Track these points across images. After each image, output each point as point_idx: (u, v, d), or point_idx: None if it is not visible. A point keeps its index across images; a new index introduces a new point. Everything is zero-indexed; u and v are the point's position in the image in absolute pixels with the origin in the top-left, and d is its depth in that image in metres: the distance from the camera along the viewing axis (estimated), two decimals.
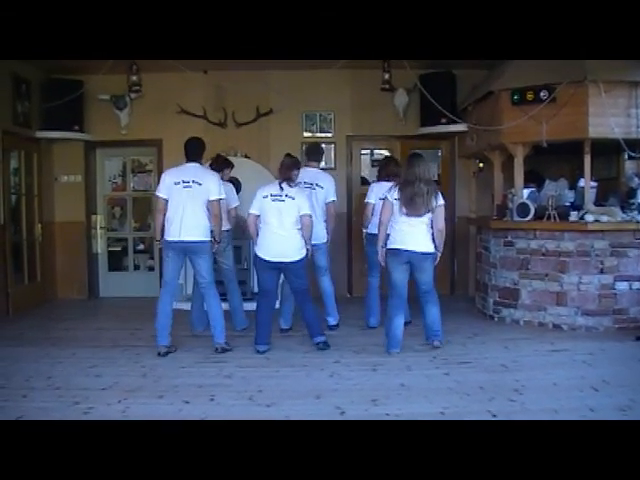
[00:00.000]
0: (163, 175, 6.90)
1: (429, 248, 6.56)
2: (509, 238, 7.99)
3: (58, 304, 9.98)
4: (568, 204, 8.11)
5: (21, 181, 9.72)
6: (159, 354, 6.59)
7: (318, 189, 7.68)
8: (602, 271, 7.51)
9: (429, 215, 6.50)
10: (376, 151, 10.86)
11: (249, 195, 9.39)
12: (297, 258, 6.74)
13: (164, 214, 6.70)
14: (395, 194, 6.54)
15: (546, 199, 7.74)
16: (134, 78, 9.72)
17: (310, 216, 6.79)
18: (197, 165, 6.89)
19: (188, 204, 6.65)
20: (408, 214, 6.49)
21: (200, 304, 7.49)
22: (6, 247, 9.01)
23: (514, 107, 7.96)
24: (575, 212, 7.68)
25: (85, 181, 10.53)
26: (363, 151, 10.80)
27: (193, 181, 6.71)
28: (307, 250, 6.83)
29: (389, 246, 6.63)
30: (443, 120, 9.58)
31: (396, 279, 6.66)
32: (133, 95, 10.04)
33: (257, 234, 6.83)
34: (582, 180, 8.11)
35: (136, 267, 11.02)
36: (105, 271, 10.87)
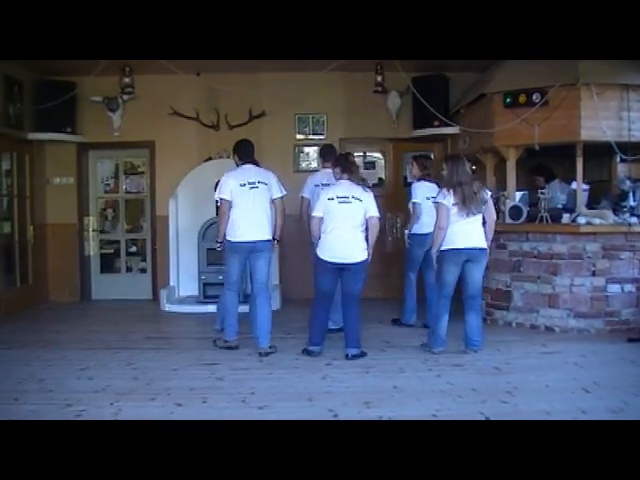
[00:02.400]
0: (225, 178, 6.83)
1: (485, 244, 6.66)
2: (501, 240, 8.00)
3: (50, 306, 9.95)
4: (560, 206, 8.13)
5: (13, 183, 9.70)
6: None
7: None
8: (594, 273, 7.53)
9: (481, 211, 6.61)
10: (369, 153, 10.86)
11: None
12: (360, 259, 6.62)
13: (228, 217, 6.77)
14: (451, 199, 6.50)
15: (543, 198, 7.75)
16: (127, 80, 9.71)
17: (379, 218, 6.72)
18: (254, 166, 7.01)
19: (257, 204, 6.80)
20: (468, 214, 6.52)
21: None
22: None
23: (506, 110, 7.99)
24: (567, 214, 7.70)
25: (77, 183, 10.51)
26: (356, 154, 10.78)
27: (259, 181, 6.85)
28: (368, 253, 6.71)
29: (447, 247, 6.59)
30: (436, 123, 9.59)
31: (449, 280, 6.70)
32: (126, 97, 10.02)
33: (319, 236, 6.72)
34: (574, 183, 8.13)
35: (128, 269, 11.00)
36: (97, 273, 10.85)
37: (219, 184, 6.86)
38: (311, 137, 10.56)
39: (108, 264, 11.00)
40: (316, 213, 6.66)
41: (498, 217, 8.04)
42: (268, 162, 9.92)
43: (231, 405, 5.11)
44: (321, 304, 6.76)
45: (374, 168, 10.85)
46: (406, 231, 7.89)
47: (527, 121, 7.75)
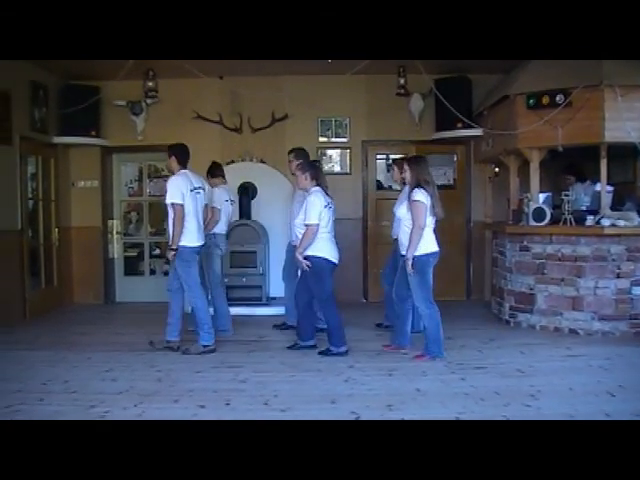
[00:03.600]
0: (174, 182, 6.85)
1: None
2: (525, 243, 7.96)
3: (74, 309, 10.03)
4: (584, 208, 8.08)
5: (38, 186, 9.80)
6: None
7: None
8: (619, 276, 7.47)
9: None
10: (391, 156, 10.83)
11: (265, 200, 9.48)
12: None
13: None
14: (428, 198, 6.52)
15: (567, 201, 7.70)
16: (150, 84, 9.77)
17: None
18: (189, 171, 7.09)
19: (199, 209, 6.98)
20: (434, 215, 6.60)
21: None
22: (23, 252, 9.08)
23: (529, 111, 7.94)
24: (591, 216, 7.64)
25: (101, 186, 10.59)
26: (378, 156, 10.79)
27: (200, 187, 7.04)
28: None
29: (428, 250, 6.58)
30: (458, 125, 9.56)
31: (431, 283, 6.68)
32: (149, 101, 10.08)
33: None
34: (598, 184, 8.07)
35: (152, 272, 11.05)
36: (121, 276, 10.92)
37: (170, 189, 6.81)
38: (334, 140, 10.57)
39: (132, 267, 11.07)
40: (316, 221, 6.63)
41: (521, 219, 8.05)
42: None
43: (254, 407, 5.11)
44: (334, 306, 6.87)
45: None
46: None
47: (550, 122, 7.70)
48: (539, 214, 7.80)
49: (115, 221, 10.85)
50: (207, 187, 7.32)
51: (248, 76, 9.90)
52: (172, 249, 6.78)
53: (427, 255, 6.55)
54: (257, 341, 7.48)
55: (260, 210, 9.59)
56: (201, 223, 7.06)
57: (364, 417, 4.82)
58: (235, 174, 9.57)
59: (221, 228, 7.93)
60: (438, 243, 6.68)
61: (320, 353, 6.84)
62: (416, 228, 6.45)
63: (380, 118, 10.32)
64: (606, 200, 7.82)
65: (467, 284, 10.64)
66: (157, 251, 11.17)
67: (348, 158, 10.54)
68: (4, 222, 8.62)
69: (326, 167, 10.51)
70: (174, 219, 6.75)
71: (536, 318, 7.92)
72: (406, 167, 6.78)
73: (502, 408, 4.97)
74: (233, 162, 10.04)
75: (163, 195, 10.05)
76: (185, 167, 7.03)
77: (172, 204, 6.74)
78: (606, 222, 7.41)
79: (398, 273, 6.91)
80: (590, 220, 7.59)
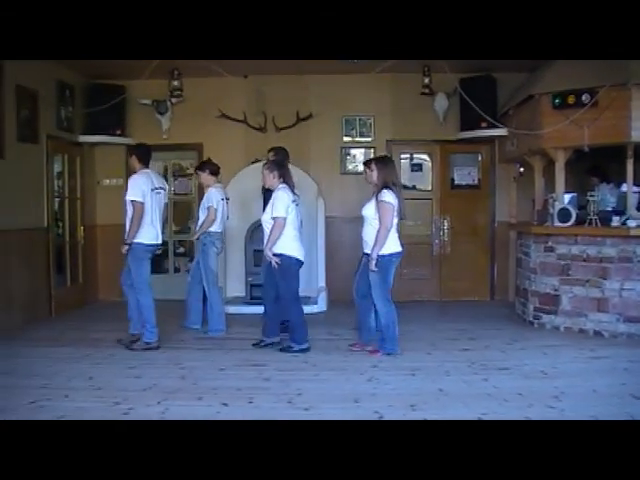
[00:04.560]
0: (136, 180, 7.00)
1: None
2: (550, 243, 7.92)
3: (99, 306, 10.12)
4: (610, 209, 8.02)
5: (64, 184, 9.89)
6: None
7: None
8: None
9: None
10: (416, 156, 10.82)
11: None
12: None
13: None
14: (395, 200, 6.62)
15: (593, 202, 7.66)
16: (175, 83, 9.83)
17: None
18: (151, 170, 7.27)
19: (157, 208, 7.10)
20: (399, 216, 6.72)
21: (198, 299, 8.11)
22: (49, 249, 9.18)
23: (555, 111, 7.89)
24: (617, 217, 7.57)
25: (126, 184, 10.63)
26: (403, 156, 10.77)
27: (160, 187, 7.20)
28: None
29: (392, 251, 6.66)
30: (483, 124, 9.53)
31: (391, 282, 6.82)
32: (174, 100, 10.14)
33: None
34: (624, 185, 8.01)
35: (176, 270, 11.11)
36: None
37: (131, 186, 6.96)
38: (358, 139, 10.57)
39: (156, 264, 11.10)
40: (284, 214, 6.74)
41: (546, 220, 8.01)
42: (315, 164, 10.03)
43: (277, 406, 5.13)
44: (299, 303, 7.08)
45: (421, 170, 10.81)
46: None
47: (576, 122, 7.65)
48: (564, 215, 7.75)
49: None
50: (167, 187, 7.49)
51: (273, 75, 9.93)
52: (126, 244, 6.93)
53: (391, 255, 6.65)
54: (281, 339, 7.49)
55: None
56: (160, 222, 7.21)
57: (387, 417, 4.82)
58: (259, 173, 9.58)
59: (217, 227, 8.02)
60: (401, 243, 6.82)
61: (281, 350, 6.95)
62: (383, 228, 6.54)
63: (404, 117, 10.31)
64: (632, 201, 7.75)
65: (491, 284, 10.60)
66: (181, 249, 11.23)
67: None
68: (31, 220, 8.71)
69: (350, 166, 10.54)
70: (132, 216, 6.90)
71: (560, 319, 7.87)
72: (373, 167, 6.86)
73: (525, 409, 4.95)
74: (257, 161, 10.02)
75: (188, 194, 10.19)
76: (147, 166, 7.19)
77: (132, 201, 6.89)
78: (632, 223, 7.36)
79: (360, 271, 6.99)
80: (616, 221, 7.54)
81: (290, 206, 6.79)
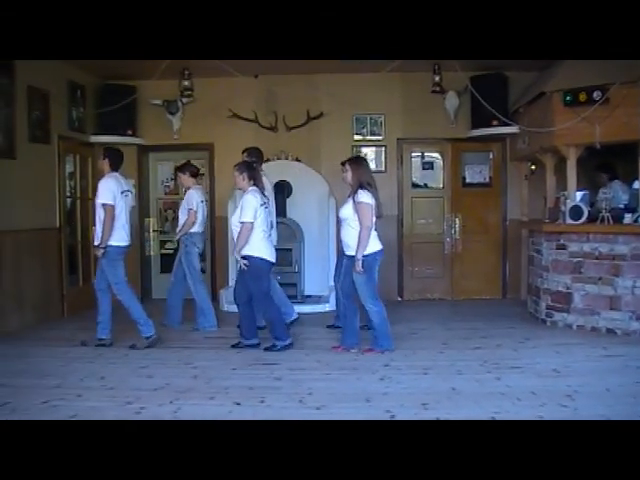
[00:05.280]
0: (106, 183, 7.06)
1: None
2: (562, 241, 7.89)
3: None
4: (622, 206, 7.98)
5: (76, 185, 9.92)
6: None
7: None
8: None
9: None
10: (427, 154, 10.80)
11: (300, 199, 9.51)
12: None
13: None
14: (372, 199, 6.65)
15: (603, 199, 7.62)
16: (186, 83, 9.83)
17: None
18: (120, 175, 7.32)
19: (126, 211, 7.17)
20: (377, 216, 6.73)
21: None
22: (62, 249, 9.21)
23: (566, 108, 7.86)
24: (629, 215, 7.53)
25: (138, 185, 10.69)
26: (414, 154, 10.75)
27: (128, 190, 7.27)
28: None
29: (374, 250, 6.69)
30: (494, 122, 9.50)
31: (376, 280, 6.82)
32: (185, 100, 10.15)
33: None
34: (637, 182, 7.98)
35: None
36: (157, 273, 11.02)
37: (101, 190, 7.00)
38: (369, 138, 10.56)
39: (168, 264, 11.10)
40: (251, 219, 6.75)
41: (557, 217, 7.98)
42: (326, 163, 10.04)
43: (289, 405, 5.14)
44: (273, 301, 7.14)
45: (432, 169, 10.80)
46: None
47: (588, 120, 7.61)
48: (576, 212, 7.71)
49: (151, 219, 10.96)
50: (134, 190, 7.68)
51: (283, 74, 9.93)
52: (101, 248, 6.97)
53: (374, 254, 6.68)
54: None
55: (295, 208, 9.61)
56: (129, 224, 7.27)
57: (399, 416, 4.81)
58: (270, 172, 9.59)
59: (197, 228, 8.17)
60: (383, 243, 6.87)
61: (266, 349, 6.95)
62: (364, 229, 6.57)
63: (415, 116, 10.30)
64: None
65: (503, 283, 10.57)
66: None
67: (383, 156, 10.52)
68: (43, 220, 8.75)
69: None
70: (104, 219, 6.94)
71: (573, 317, 7.84)
72: (347, 168, 6.89)
73: (538, 408, 4.94)
74: (269, 160, 10.04)
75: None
76: (116, 171, 7.25)
77: (103, 205, 6.94)
78: None
79: (343, 272, 7.01)
80: (628, 218, 7.50)
81: (258, 210, 6.80)
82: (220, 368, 6.30)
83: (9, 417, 4.84)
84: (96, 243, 7.02)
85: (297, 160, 10.11)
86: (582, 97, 7.69)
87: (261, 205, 6.84)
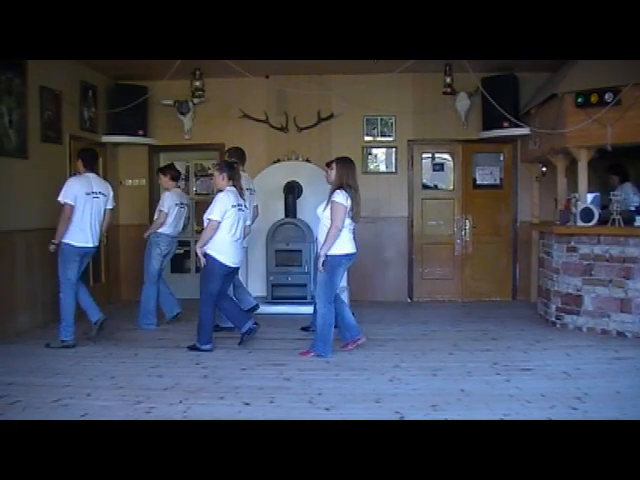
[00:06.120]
0: (70, 182, 7.15)
1: None
2: (572, 243, 7.87)
3: (122, 305, 10.16)
4: (633, 209, 7.95)
5: None
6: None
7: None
8: None
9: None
10: (437, 155, 10.79)
11: (309, 199, 9.50)
12: None
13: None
14: (348, 200, 6.62)
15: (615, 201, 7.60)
16: (197, 83, 9.85)
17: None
18: (96, 175, 7.43)
19: (94, 213, 7.19)
20: (353, 219, 6.70)
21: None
22: None
23: (578, 110, 7.84)
24: None
25: (149, 184, 10.73)
26: (424, 155, 10.74)
27: (100, 192, 7.27)
28: None
29: (343, 252, 6.65)
30: (505, 124, 9.48)
31: (339, 284, 6.85)
32: (196, 100, 10.18)
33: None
34: None
35: (198, 270, 11.09)
36: (168, 273, 11.00)
37: (65, 188, 7.06)
38: (379, 139, 10.56)
39: (178, 264, 11.18)
40: (217, 217, 6.79)
41: (568, 219, 7.96)
42: None
43: (298, 405, 5.15)
44: (213, 306, 7.10)
45: (443, 170, 10.78)
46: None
47: (599, 121, 7.59)
48: (587, 214, 7.69)
49: None
50: (111, 193, 7.55)
51: (294, 75, 9.95)
52: (53, 243, 7.06)
53: (340, 256, 6.65)
54: (302, 339, 7.49)
55: (305, 209, 9.60)
56: (93, 226, 7.24)
57: (408, 417, 4.82)
58: (281, 173, 9.64)
59: (166, 229, 8.29)
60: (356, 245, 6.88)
61: (189, 348, 7.02)
62: (333, 228, 6.54)
63: (426, 117, 10.29)
64: None
65: (513, 284, 10.55)
66: None
67: (394, 157, 10.52)
68: (54, 220, 8.74)
69: (371, 166, 10.54)
70: (61, 217, 7.03)
71: (583, 320, 7.82)
72: (333, 166, 6.94)
73: (548, 410, 4.93)
74: (279, 161, 10.09)
75: (210, 194, 10.22)
76: (92, 171, 7.34)
77: (63, 203, 7.02)
78: None
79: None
80: (639, 220, 7.47)
81: (229, 210, 6.81)
82: (230, 368, 6.31)
83: (20, 415, 4.87)
84: (54, 241, 7.11)
85: (307, 161, 10.12)
86: (594, 99, 7.67)
87: (233, 206, 6.85)
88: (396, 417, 4.82)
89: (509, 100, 9.52)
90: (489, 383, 5.72)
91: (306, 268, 9.22)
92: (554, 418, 4.73)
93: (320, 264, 6.56)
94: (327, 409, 5.03)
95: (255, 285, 9.77)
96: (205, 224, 6.93)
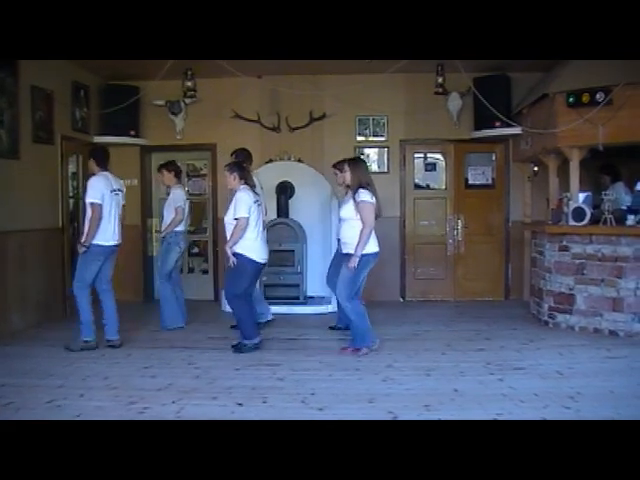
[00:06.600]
0: (95, 182, 7.07)
1: None
2: (564, 243, 7.89)
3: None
4: (625, 208, 7.98)
5: (79, 185, 9.91)
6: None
7: None
8: None
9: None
10: (430, 155, 10.80)
11: (303, 199, 9.52)
12: None
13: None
14: (373, 198, 6.67)
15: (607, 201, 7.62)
16: (189, 83, 9.82)
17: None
18: (109, 173, 7.34)
19: (115, 210, 7.15)
20: (376, 217, 6.73)
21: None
22: (64, 250, 9.22)
23: (569, 110, 7.85)
24: (632, 216, 7.53)
25: (141, 185, 10.71)
26: (416, 155, 10.75)
27: (118, 189, 7.26)
28: None
29: (371, 251, 6.70)
30: (497, 124, 9.50)
31: (361, 282, 6.92)
32: (188, 100, 10.16)
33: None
34: (639, 184, 7.97)
35: (190, 270, 11.13)
36: None
37: (89, 189, 7.03)
38: (371, 139, 10.57)
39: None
40: (246, 214, 6.78)
41: (560, 219, 7.97)
42: (328, 164, 10.00)
43: (291, 405, 5.15)
44: (246, 302, 7.05)
45: (435, 170, 10.79)
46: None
47: (591, 121, 7.61)
48: (579, 214, 7.71)
49: (154, 220, 10.94)
50: (125, 189, 7.54)
51: (286, 75, 9.93)
52: (84, 245, 7.00)
53: (369, 255, 6.70)
54: (295, 339, 7.51)
55: (298, 209, 9.62)
56: (117, 223, 7.24)
57: (401, 417, 4.82)
58: (273, 173, 9.63)
59: (182, 227, 8.24)
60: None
61: (234, 348, 6.99)
62: (367, 227, 6.60)
63: (418, 117, 10.30)
64: None
65: (506, 284, 10.57)
66: (195, 250, 11.24)
67: (386, 157, 10.53)
68: (46, 220, 8.76)
69: None
70: (91, 218, 6.97)
71: (575, 319, 7.84)
72: (346, 169, 6.94)
73: (541, 410, 4.94)
74: (271, 161, 10.09)
75: (202, 194, 10.22)
76: (105, 169, 7.27)
77: (91, 203, 6.96)
78: None
79: (335, 263, 7.07)
80: (631, 220, 7.49)
81: (252, 207, 6.83)
82: (223, 368, 6.31)
83: (14, 417, 4.86)
84: (82, 240, 7.04)
85: (300, 161, 10.12)
86: (585, 98, 7.69)
87: (254, 202, 6.88)
88: (389, 417, 4.83)
89: (501, 100, 9.53)
90: (482, 383, 5.73)
91: (298, 268, 9.22)
92: (547, 417, 4.74)
93: (354, 263, 6.57)
94: (320, 409, 5.03)
95: None
96: (226, 225, 6.97)
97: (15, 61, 7.85)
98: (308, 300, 9.50)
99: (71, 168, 9.72)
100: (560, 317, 8.00)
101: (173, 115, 10.32)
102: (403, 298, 10.59)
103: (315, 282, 9.64)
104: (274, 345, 7.23)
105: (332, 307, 9.09)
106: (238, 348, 6.95)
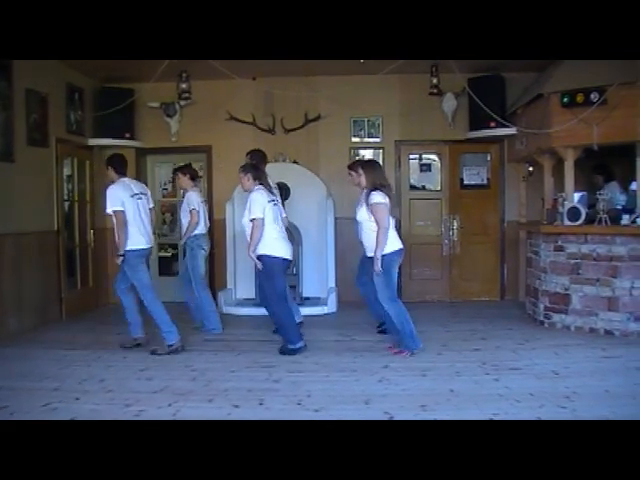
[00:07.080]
0: (111, 191, 7.00)
1: None
2: (560, 243, 7.89)
3: (110, 309, 10.11)
4: (620, 207, 7.99)
5: (74, 188, 9.92)
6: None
7: None
8: None
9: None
10: (425, 156, 10.81)
11: (298, 201, 9.52)
12: None
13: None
14: (386, 199, 6.68)
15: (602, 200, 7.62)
16: (184, 86, 9.82)
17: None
18: (129, 178, 7.34)
19: (140, 214, 7.09)
20: (393, 216, 6.81)
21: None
22: (60, 252, 9.21)
23: (564, 110, 7.86)
24: (627, 216, 7.54)
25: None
26: (411, 156, 10.76)
27: (141, 193, 7.21)
28: None
29: (393, 249, 6.71)
30: (492, 124, 9.49)
31: (395, 280, 6.88)
32: (183, 102, 10.16)
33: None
34: (634, 183, 7.98)
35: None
36: (156, 276, 10.96)
37: (108, 198, 6.98)
38: (366, 140, 10.57)
39: (166, 267, 11.15)
40: (261, 215, 6.76)
41: (555, 219, 7.98)
42: (324, 165, 10.08)
43: (287, 407, 5.14)
44: (287, 303, 7.10)
45: (430, 170, 10.80)
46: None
47: (585, 121, 7.61)
48: (574, 214, 7.72)
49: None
50: (149, 192, 7.50)
51: (281, 77, 9.93)
52: (119, 255, 6.96)
53: (392, 253, 6.69)
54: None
55: (293, 211, 9.61)
56: (147, 226, 7.19)
57: (398, 417, 4.82)
58: (268, 175, 9.61)
59: (201, 229, 8.15)
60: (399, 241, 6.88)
61: (280, 352, 6.94)
62: (382, 229, 6.60)
63: (413, 118, 10.32)
64: None
65: (501, 284, 10.58)
66: None
67: (381, 158, 10.51)
68: (41, 223, 8.75)
69: None
70: (117, 226, 6.95)
71: (571, 319, 7.84)
72: (360, 171, 6.96)
73: (537, 410, 4.94)
74: (266, 163, 10.07)
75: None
76: (124, 175, 7.22)
77: (114, 212, 6.94)
78: None
79: (370, 279, 6.97)
80: (626, 219, 7.50)
81: (267, 206, 6.81)
82: (219, 370, 6.30)
83: (8, 420, 4.84)
84: (118, 252, 6.99)
85: (295, 162, 10.13)
86: (580, 98, 7.69)
87: (269, 202, 6.85)
88: (385, 417, 4.82)
89: (496, 100, 9.53)
90: (478, 383, 5.73)
91: (294, 270, 9.22)
92: (543, 417, 4.74)
93: (378, 267, 6.58)
94: (316, 410, 5.03)
95: (243, 287, 9.79)
96: (245, 228, 6.94)
97: (9, 64, 7.85)
98: (304, 301, 9.49)
99: (66, 171, 9.70)
100: (556, 317, 8.01)
101: (168, 117, 10.31)
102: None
103: (311, 283, 9.64)
104: (270, 347, 7.21)
105: (328, 309, 9.09)
106: (282, 351, 6.94)
